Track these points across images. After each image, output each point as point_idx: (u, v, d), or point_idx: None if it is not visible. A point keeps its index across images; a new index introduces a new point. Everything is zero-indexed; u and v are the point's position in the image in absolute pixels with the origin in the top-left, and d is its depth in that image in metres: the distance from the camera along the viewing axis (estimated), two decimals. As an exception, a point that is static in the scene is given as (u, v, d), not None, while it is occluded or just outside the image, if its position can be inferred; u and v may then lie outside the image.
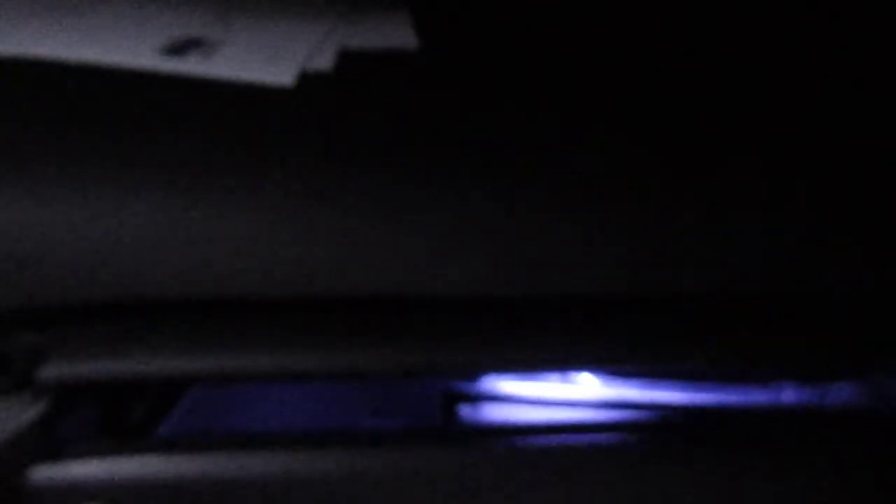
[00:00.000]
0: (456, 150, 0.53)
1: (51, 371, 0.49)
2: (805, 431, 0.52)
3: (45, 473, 0.50)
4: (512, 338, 0.52)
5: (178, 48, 0.60)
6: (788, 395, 0.57)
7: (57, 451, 0.50)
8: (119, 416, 0.54)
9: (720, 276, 0.51)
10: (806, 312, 0.53)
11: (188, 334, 0.51)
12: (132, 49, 0.59)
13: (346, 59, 0.60)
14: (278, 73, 0.58)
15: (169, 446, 0.51)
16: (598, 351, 0.52)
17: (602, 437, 0.52)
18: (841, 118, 0.57)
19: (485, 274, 0.51)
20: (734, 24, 0.65)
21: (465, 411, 0.59)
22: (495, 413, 0.59)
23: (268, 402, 0.58)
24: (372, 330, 0.52)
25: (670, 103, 0.57)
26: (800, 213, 0.52)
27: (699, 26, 0.65)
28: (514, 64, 0.60)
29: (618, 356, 0.52)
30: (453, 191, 0.51)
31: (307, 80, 0.57)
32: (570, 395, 0.58)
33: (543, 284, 0.51)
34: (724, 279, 0.51)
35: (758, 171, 0.53)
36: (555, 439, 0.52)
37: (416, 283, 0.50)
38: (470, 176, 0.52)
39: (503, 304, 0.52)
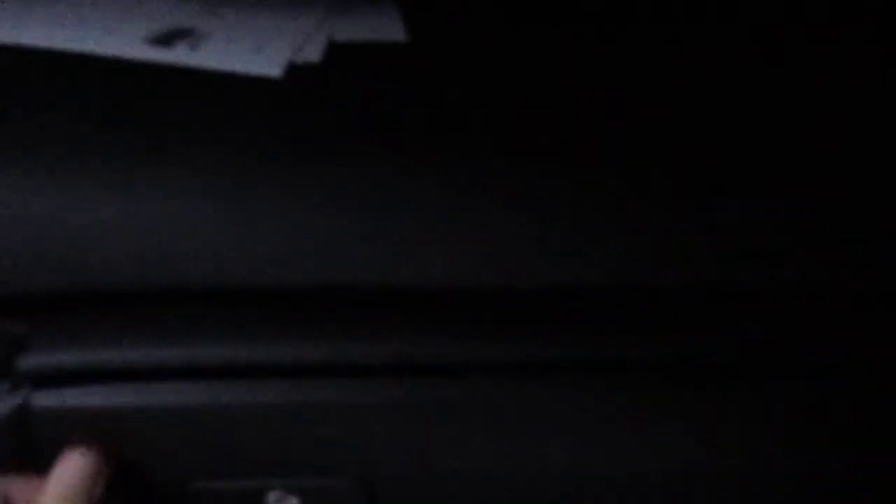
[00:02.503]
0: (445, 141, 0.53)
1: (31, 361, 0.49)
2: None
3: (46, 400, 0.50)
4: (502, 331, 0.52)
5: (166, 38, 0.60)
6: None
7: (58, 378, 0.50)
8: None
9: (714, 271, 0.51)
10: (804, 311, 0.53)
11: (171, 324, 0.51)
12: (119, 39, 0.59)
13: (335, 50, 0.60)
14: (266, 64, 0.58)
15: (166, 374, 0.51)
16: (590, 344, 0.52)
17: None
18: (841, 116, 0.57)
19: (473, 265, 0.50)
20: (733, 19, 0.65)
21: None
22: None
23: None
24: (359, 320, 0.52)
25: (663, 95, 0.57)
26: (797, 211, 0.52)
27: (696, 20, 0.64)
28: (503, 55, 0.60)
29: (611, 349, 0.52)
30: (443, 182, 0.51)
31: (296, 72, 0.57)
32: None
33: (534, 276, 0.51)
34: (718, 275, 0.51)
35: (755, 170, 0.53)
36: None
37: (404, 273, 0.50)
38: (458, 167, 0.52)
39: (491, 296, 0.52)
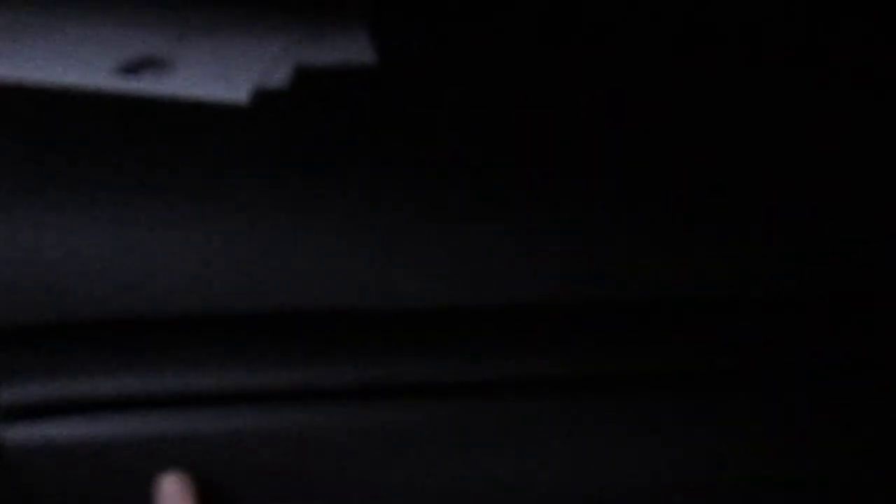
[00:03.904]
0: (415, 163, 0.53)
1: (4, 393, 0.49)
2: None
3: (20, 432, 0.49)
4: (481, 350, 0.52)
5: (133, 68, 0.59)
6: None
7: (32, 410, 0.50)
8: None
9: (710, 278, 0.51)
10: (804, 313, 0.53)
11: (143, 353, 0.50)
12: (86, 69, 0.59)
13: (303, 75, 0.59)
14: (233, 90, 0.57)
15: (139, 404, 0.50)
16: (575, 359, 0.52)
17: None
18: (841, 116, 0.57)
19: (447, 284, 0.50)
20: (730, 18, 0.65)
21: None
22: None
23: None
24: (337, 344, 0.51)
25: (655, 103, 0.57)
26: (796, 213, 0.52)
27: (694, 22, 0.64)
28: (474, 78, 0.60)
29: (598, 363, 0.52)
30: (412, 205, 0.51)
31: (263, 98, 0.57)
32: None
33: (513, 293, 0.51)
34: (715, 282, 0.51)
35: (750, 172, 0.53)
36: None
37: (378, 295, 0.50)
38: (429, 189, 0.52)
39: (468, 314, 0.52)
